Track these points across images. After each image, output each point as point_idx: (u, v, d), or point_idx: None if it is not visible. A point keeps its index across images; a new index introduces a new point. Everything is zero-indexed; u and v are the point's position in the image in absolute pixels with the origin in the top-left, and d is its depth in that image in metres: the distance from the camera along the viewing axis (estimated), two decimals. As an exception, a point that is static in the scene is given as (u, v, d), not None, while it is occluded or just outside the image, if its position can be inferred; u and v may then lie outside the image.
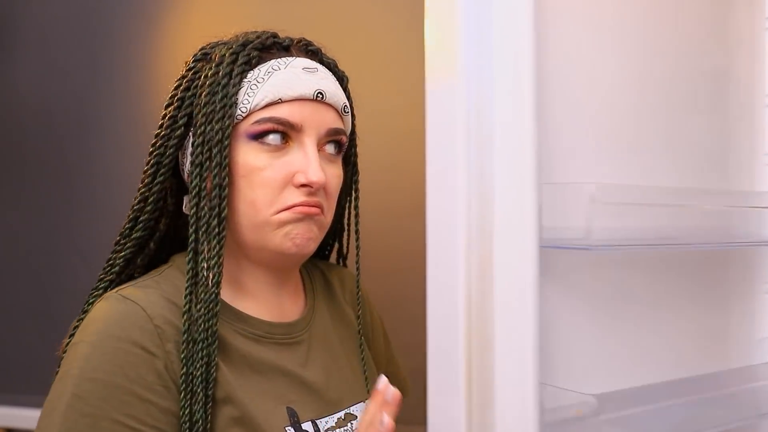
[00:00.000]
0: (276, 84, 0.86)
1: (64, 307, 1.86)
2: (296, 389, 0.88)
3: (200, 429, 0.78)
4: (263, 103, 0.85)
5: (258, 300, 0.91)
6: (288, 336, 0.91)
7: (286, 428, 0.84)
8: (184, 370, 0.79)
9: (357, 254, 0.99)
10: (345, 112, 0.91)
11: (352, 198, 1.01)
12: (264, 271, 0.91)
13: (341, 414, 0.92)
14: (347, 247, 1.07)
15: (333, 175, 0.89)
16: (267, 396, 0.85)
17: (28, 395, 1.87)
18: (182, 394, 0.79)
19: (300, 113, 0.86)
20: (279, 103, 0.85)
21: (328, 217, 0.90)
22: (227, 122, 0.84)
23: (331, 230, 1.05)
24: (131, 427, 0.77)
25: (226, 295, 0.89)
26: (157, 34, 1.77)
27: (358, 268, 0.99)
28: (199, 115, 0.86)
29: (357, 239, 1.00)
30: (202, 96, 0.86)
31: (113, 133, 1.81)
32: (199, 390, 0.79)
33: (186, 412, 0.79)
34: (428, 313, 0.95)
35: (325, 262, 1.09)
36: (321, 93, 0.87)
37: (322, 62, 0.92)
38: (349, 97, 0.96)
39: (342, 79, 0.94)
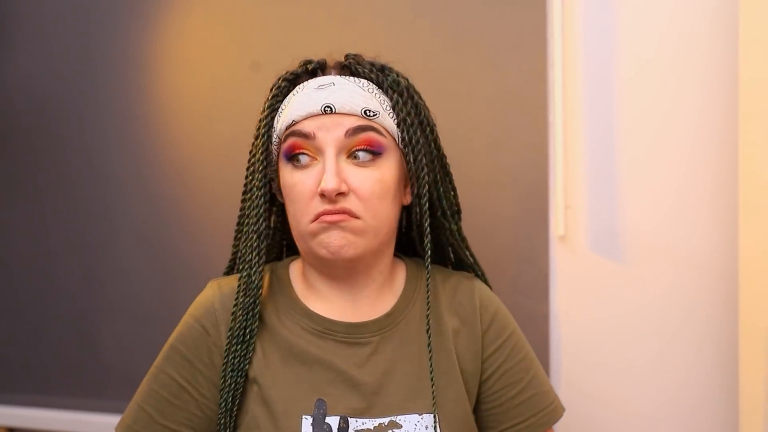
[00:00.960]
0: (291, 107, 0.94)
1: (63, 307, 1.87)
2: (339, 385, 0.94)
3: (226, 407, 0.94)
4: (283, 127, 0.95)
5: (328, 300, 0.99)
6: (350, 335, 0.97)
7: (305, 416, 0.92)
8: (225, 359, 0.95)
9: (426, 254, 0.97)
10: (368, 115, 0.93)
11: (417, 198, 0.99)
12: (327, 274, 0.99)
13: (385, 420, 0.93)
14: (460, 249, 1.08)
15: (366, 179, 0.92)
16: (301, 384, 0.94)
17: (28, 395, 1.88)
18: (221, 379, 0.95)
19: (312, 125, 0.92)
20: (294, 124, 0.93)
21: (372, 222, 0.93)
22: (261, 150, 0.97)
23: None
24: (177, 383, 0.97)
25: (303, 294, 1.00)
26: (154, 32, 1.76)
27: (427, 267, 0.97)
28: (252, 147, 1.00)
29: (426, 238, 0.97)
30: (255, 130, 1.00)
31: (109, 133, 1.81)
32: (228, 378, 0.94)
33: (222, 391, 0.95)
34: None
35: (447, 271, 1.08)
36: (329, 106, 0.92)
37: (355, 73, 0.97)
38: (394, 97, 0.96)
39: (381, 84, 0.96)
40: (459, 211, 1.07)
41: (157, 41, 1.76)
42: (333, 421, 0.92)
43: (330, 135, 0.92)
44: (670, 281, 1.39)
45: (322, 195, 0.90)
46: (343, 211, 0.90)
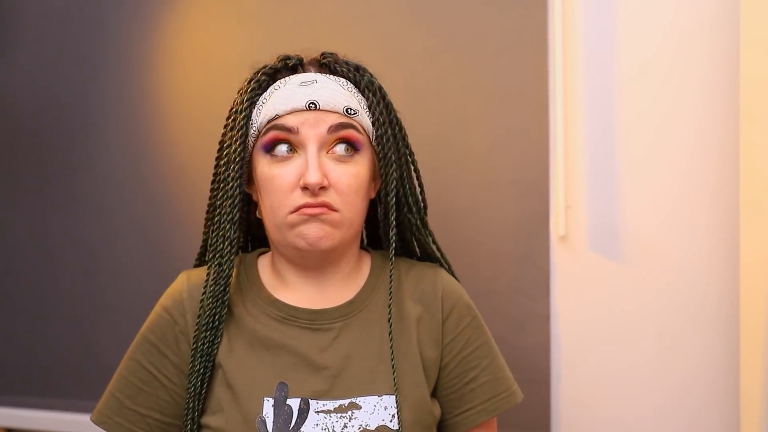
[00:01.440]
0: (274, 102, 0.97)
1: (61, 308, 1.86)
2: (301, 369, 0.98)
3: (195, 391, 0.98)
4: (265, 120, 0.97)
5: (294, 289, 1.03)
6: (313, 322, 1.00)
7: (266, 398, 0.96)
8: (194, 345, 0.99)
9: (391, 246, 1.01)
10: (349, 113, 0.97)
11: (385, 193, 1.03)
12: (298, 264, 1.02)
13: (345, 401, 0.97)
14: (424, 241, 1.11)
15: (344, 174, 0.96)
16: (264, 368, 0.98)
17: (27, 396, 1.87)
18: (190, 364, 0.99)
19: (295, 120, 0.95)
20: (277, 118, 0.96)
21: (348, 214, 0.96)
22: (238, 142, 0.98)
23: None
24: (147, 370, 1.02)
25: (270, 284, 1.04)
26: (154, 33, 1.76)
27: (391, 258, 1.02)
28: (225, 138, 1.02)
29: (391, 231, 1.02)
30: (229, 121, 1.02)
31: (109, 133, 1.80)
32: (197, 363, 0.98)
33: (190, 377, 0.98)
34: None
35: (412, 261, 1.11)
36: (314, 103, 0.95)
37: (334, 72, 1.00)
38: (369, 97, 1.00)
39: (358, 84, 1.00)
40: (425, 207, 1.10)
41: (159, 42, 1.76)
42: (294, 402, 0.96)
43: (313, 130, 0.95)
44: (670, 281, 1.39)
45: (305, 188, 0.93)
46: (324, 205, 0.94)
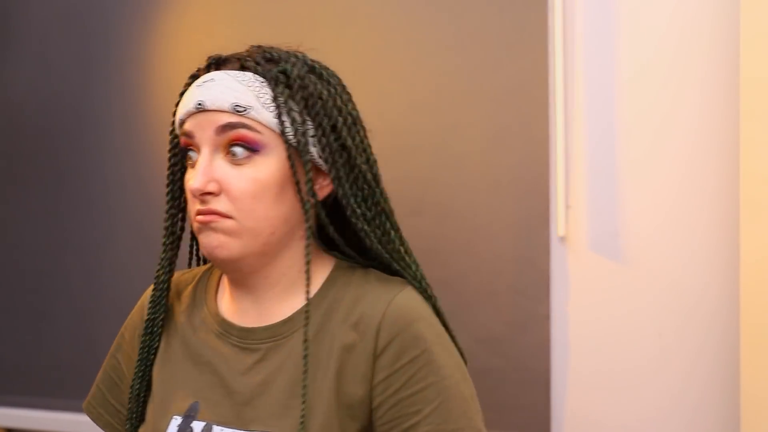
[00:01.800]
0: (179, 106, 0.94)
1: (62, 308, 1.86)
2: (216, 390, 0.92)
3: (133, 393, 0.99)
4: (177, 126, 0.94)
5: (238, 303, 0.96)
6: (242, 340, 0.93)
7: (174, 417, 0.93)
8: (139, 349, 1.00)
9: (307, 255, 0.89)
10: (238, 111, 0.87)
11: (305, 195, 0.90)
12: (229, 276, 0.97)
13: None
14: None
15: (237, 178, 0.87)
16: (186, 384, 0.95)
17: (27, 396, 1.87)
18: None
19: (190, 124, 0.91)
20: (181, 123, 0.93)
21: (247, 222, 0.87)
22: (169, 146, 0.97)
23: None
24: (121, 368, 1.04)
25: (222, 294, 0.99)
26: (153, 33, 1.76)
27: (307, 271, 0.90)
28: None
29: (308, 238, 0.90)
30: None
31: (109, 133, 1.81)
32: (137, 368, 0.99)
33: (133, 382, 0.99)
34: None
35: (375, 276, 0.95)
36: (200, 103, 0.89)
37: (244, 67, 0.91)
38: (275, 89, 0.88)
39: (266, 76, 0.89)
40: (382, 212, 0.93)
41: (158, 43, 1.76)
42: (198, 426, 0.90)
43: (204, 133, 0.88)
44: (670, 281, 1.39)
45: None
46: (212, 212, 0.87)
